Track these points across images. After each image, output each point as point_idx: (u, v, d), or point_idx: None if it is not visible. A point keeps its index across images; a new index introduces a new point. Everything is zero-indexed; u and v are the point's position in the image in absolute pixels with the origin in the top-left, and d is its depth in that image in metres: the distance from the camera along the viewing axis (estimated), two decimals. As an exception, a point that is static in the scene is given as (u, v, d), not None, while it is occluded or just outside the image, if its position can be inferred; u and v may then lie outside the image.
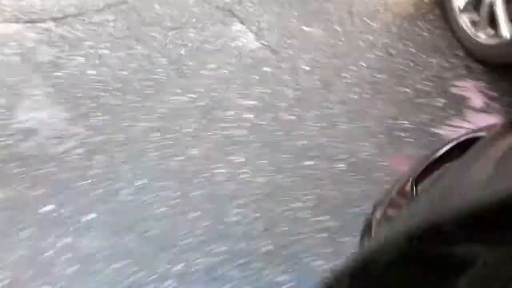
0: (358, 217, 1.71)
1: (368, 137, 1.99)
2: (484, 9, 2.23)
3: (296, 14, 2.44)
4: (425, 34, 2.47)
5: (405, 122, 2.06)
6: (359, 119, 2.05)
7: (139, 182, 1.74)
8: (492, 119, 2.08)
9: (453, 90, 2.21)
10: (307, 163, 1.89)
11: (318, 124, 2.02)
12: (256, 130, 1.97)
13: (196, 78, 2.11)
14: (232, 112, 2.03)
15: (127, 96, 1.97)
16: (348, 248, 1.61)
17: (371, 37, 2.42)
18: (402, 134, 2.02)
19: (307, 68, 2.25)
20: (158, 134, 1.90)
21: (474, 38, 2.30)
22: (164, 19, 2.29)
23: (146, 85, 2.02)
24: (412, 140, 1.99)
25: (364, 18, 2.49)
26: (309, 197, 1.77)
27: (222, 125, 1.98)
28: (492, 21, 2.20)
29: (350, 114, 2.07)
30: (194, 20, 2.32)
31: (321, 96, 2.13)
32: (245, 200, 1.74)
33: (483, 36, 2.27)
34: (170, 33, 2.23)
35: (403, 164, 1.89)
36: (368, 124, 2.04)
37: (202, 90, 2.07)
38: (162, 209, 1.68)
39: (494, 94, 2.18)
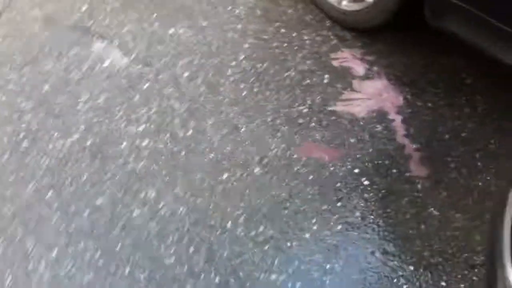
0: (292, 218, 1.82)
1: (272, 133, 2.08)
2: (342, -24, 2.43)
3: (156, 16, 2.41)
4: (290, 11, 2.61)
5: (301, 107, 2.20)
6: (257, 116, 2.14)
7: (51, 254, 1.64)
8: (377, 84, 2.31)
9: (334, 63, 2.39)
10: (223, 177, 1.93)
11: (219, 133, 2.06)
12: (157, 156, 1.95)
13: (72, 116, 2.00)
14: (124, 144, 1.98)
15: (1, 158, 1.81)
16: (296, 252, 1.71)
17: (239, 26, 2.50)
18: (302, 120, 2.15)
19: (187, 74, 2.26)
20: (52, 192, 1.79)
21: (338, 6, 2.49)
22: (12, 55, 2.11)
23: (19, 139, 1.87)
24: (314, 124, 2.13)
25: (227, 7, 2.55)
26: (237, 212, 1.82)
27: (119, 161, 1.92)
28: (353, -13, 2.42)
29: (247, 113, 2.15)
30: (47, 48, 2.17)
31: (211, 102, 2.17)
32: (175, 236, 1.73)
33: (346, 3, 2.47)
34: (25, 70, 2.07)
35: (315, 151, 2.02)
36: (267, 119, 2.13)
37: (83, 128, 1.98)
38: (89, 276, 1.61)
39: (371, 58, 2.41)
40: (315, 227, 1.79)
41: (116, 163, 1.90)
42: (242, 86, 2.24)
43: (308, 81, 2.30)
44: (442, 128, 2.12)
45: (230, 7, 2.57)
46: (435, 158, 2.01)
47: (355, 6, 2.44)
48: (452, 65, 2.34)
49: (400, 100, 2.23)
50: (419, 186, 1.93)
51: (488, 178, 1.94)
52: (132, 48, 2.29)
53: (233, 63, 2.33)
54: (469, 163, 2.00)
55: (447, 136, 2.10)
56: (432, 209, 1.86)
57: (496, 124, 2.12)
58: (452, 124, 2.13)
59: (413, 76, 2.32)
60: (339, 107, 2.20)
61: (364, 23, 2.45)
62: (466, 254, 1.73)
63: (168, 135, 2.02)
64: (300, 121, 2.14)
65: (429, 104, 2.21)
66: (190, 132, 2.05)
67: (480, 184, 1.93)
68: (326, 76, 2.33)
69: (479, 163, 2.00)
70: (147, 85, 2.18)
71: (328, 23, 2.56)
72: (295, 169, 1.96)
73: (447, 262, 1.71)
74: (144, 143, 1.98)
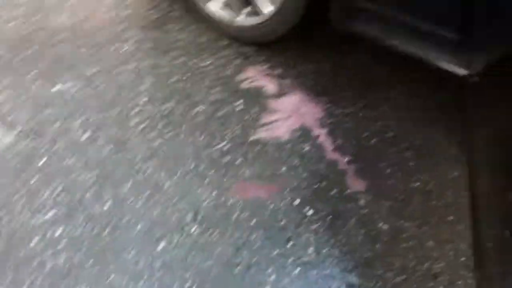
0: (246, 274, 1.65)
1: (200, 181, 1.88)
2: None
3: (35, 74, 2.09)
4: (181, 36, 2.39)
5: (221, 144, 2.01)
6: (178, 166, 1.92)
7: None
8: (293, 98, 2.18)
9: (242, 85, 2.23)
10: (159, 248, 1.71)
11: (141, 197, 1.83)
12: (77, 245, 1.68)
13: (-37, 222, 1.68)
14: (35, 240, 1.69)
15: None
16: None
17: (131, 65, 2.24)
18: (227, 158, 1.97)
19: (87, 136, 1.99)
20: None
21: (233, 23, 2.32)
22: None
23: None
24: (239, 160, 1.96)
25: (112, 46, 2.28)
26: (186, 285, 1.62)
27: (34, 263, 1.63)
28: (246, 1, 2.25)
29: (166, 166, 1.92)
30: None
31: (123, 162, 1.92)
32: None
33: (241, 18, 2.30)
34: None
35: (249, 190, 1.86)
36: (189, 167, 1.93)
37: (-20, 233, 1.67)
38: None
39: (279, 71, 2.27)
40: (272, 278, 1.64)
41: (32, 266, 1.62)
42: (152, 135, 2.01)
43: (221, 112, 2.12)
44: (366, 133, 2.05)
45: (115, 45, 2.31)
46: (369, 168, 1.93)
47: (252, 21, 2.28)
48: (361, 65, 2.27)
49: (319, 112, 2.12)
50: (361, 202, 1.84)
51: (423, 177, 1.89)
52: (15, 120, 1.96)
53: (135, 110, 2.09)
54: (402, 164, 1.94)
55: (373, 141, 2.02)
56: (382, 223, 1.78)
57: (415, 115, 2.08)
58: (375, 126, 2.06)
59: (325, 83, 2.22)
60: (260, 134, 2.05)
61: (264, 37, 2.30)
62: (427, 264, 1.67)
63: (83, 215, 1.76)
64: (225, 160, 1.96)
65: (347, 110, 2.12)
66: (108, 204, 1.80)
67: (418, 184, 1.88)
68: (239, 102, 2.16)
69: (411, 163, 1.95)
70: (43, 160, 1.88)
71: (225, 41, 2.39)
72: (234, 217, 1.79)
73: (411, 278, 1.64)
74: (58, 233, 1.70)
